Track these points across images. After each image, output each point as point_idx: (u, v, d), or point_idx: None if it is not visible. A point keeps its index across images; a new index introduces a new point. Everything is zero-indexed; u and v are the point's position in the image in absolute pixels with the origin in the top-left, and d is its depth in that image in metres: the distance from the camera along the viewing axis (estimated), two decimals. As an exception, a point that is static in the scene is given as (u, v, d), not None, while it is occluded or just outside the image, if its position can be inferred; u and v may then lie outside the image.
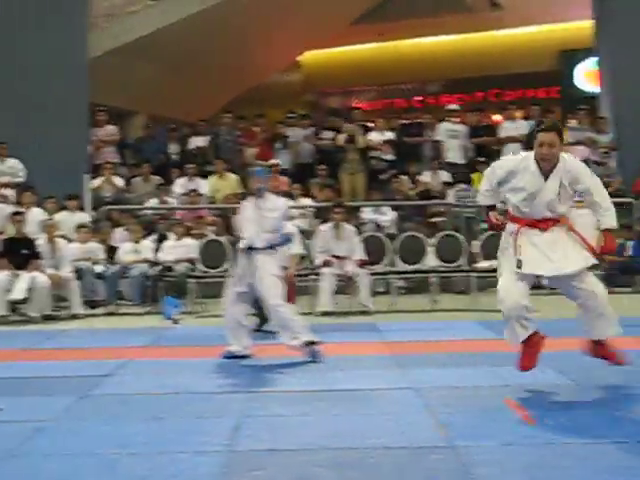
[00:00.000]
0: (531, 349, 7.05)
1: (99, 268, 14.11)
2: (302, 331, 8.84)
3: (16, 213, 13.86)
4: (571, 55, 26.99)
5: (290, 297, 11.19)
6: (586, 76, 26.28)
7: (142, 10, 20.10)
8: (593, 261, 7.06)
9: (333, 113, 21.62)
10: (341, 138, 17.92)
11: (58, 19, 16.98)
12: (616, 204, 15.14)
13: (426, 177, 17.80)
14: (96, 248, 14.39)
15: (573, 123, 18.54)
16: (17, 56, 16.86)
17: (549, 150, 6.95)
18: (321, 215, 15.96)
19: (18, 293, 12.79)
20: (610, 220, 7.10)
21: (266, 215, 9.07)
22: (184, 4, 19.87)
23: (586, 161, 17.85)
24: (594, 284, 7.07)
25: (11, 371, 8.73)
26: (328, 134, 18.56)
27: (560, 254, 7.02)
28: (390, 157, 18.23)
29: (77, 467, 5.33)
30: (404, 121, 19.55)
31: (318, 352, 8.79)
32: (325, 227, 13.36)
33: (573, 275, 7.01)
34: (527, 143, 18.17)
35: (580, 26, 23.13)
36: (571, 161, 7.17)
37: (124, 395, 7.42)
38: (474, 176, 17.36)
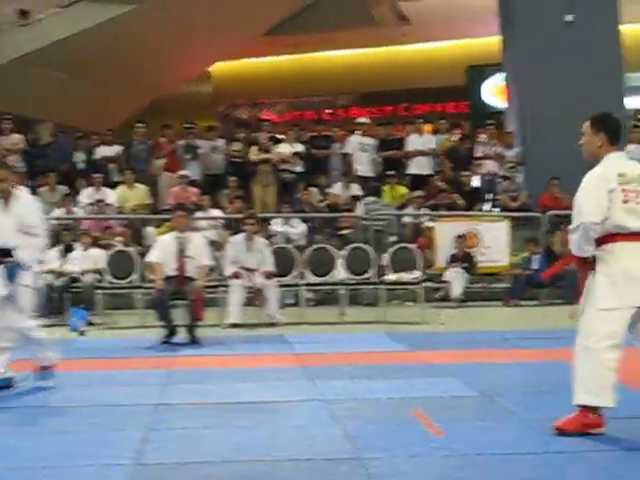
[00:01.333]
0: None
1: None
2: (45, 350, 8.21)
3: None
4: (479, 70, 27.32)
5: (197, 309, 11.19)
6: (494, 91, 26.64)
7: (49, 17, 19.84)
8: None
9: (243, 125, 21.58)
10: (254, 151, 17.91)
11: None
12: (523, 218, 15.50)
13: (336, 190, 17.89)
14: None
15: (482, 138, 18.80)
16: None
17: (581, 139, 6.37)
18: (231, 226, 15.95)
19: None
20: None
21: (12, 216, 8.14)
22: (92, 12, 19.66)
23: (494, 175, 18.25)
24: None
25: None
26: (238, 146, 18.57)
27: None
28: (299, 169, 18.28)
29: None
30: (313, 134, 19.58)
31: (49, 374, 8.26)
32: (236, 238, 13.33)
33: None
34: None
35: (488, 42, 23.47)
36: None
37: (28, 408, 7.31)
38: (384, 188, 17.55)
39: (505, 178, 17.89)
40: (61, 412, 6.94)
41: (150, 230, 16.13)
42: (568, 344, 9.71)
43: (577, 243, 6.21)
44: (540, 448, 5.78)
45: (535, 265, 15.33)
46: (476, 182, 18.26)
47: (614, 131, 6.33)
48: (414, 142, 18.74)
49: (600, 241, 6.15)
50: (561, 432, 6.12)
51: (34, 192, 16.95)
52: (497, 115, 21.97)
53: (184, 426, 6.49)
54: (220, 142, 18.80)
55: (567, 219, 16.14)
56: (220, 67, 28.70)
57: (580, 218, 6.11)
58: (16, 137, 17.77)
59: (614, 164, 6.22)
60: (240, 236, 13.26)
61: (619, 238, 6.13)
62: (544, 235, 16.23)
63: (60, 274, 13.55)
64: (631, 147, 17.73)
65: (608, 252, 6.15)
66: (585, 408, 6.11)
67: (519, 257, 15.70)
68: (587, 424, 6.10)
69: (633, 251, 6.14)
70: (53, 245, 14.48)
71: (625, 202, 6.08)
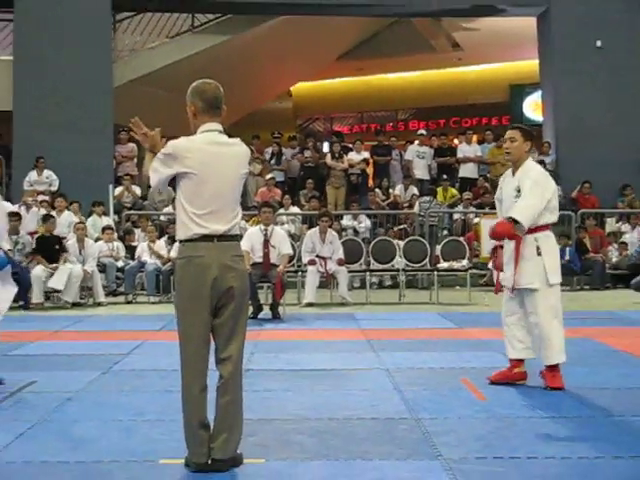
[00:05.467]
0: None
1: (120, 264, 14.13)
2: None
3: (48, 216, 13.85)
4: (520, 89, 27.04)
5: (279, 291, 11.25)
6: (533, 107, 26.34)
7: (159, 46, 20.03)
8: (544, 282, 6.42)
9: (313, 135, 21.66)
10: (329, 157, 18.01)
11: (88, 53, 17.05)
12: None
13: (398, 191, 17.89)
14: (118, 246, 14.41)
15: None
16: (55, 85, 16.93)
17: (510, 144, 6.56)
18: (307, 221, 16.01)
19: (59, 283, 12.74)
20: (511, 212, 6.39)
21: None
22: (195, 42, 19.83)
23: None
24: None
25: (45, 349, 8.74)
26: (308, 153, 18.64)
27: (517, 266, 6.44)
28: (366, 173, 18.39)
29: (101, 431, 5.35)
30: (375, 143, 19.64)
31: None
32: (312, 231, 13.36)
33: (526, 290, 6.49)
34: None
35: (528, 64, 23.21)
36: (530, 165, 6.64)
37: (140, 371, 7.43)
38: (438, 190, 17.48)
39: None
40: (166, 375, 6.99)
41: (243, 223, 16.22)
42: (595, 324, 9.65)
43: (529, 218, 6.34)
44: (572, 412, 5.75)
45: (567, 256, 15.17)
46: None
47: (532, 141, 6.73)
48: (464, 150, 18.69)
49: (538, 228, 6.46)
50: (558, 389, 6.40)
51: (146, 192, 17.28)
52: (535, 127, 21.74)
53: (268, 388, 6.56)
54: (297, 150, 18.95)
55: (595, 216, 15.78)
56: (299, 87, 28.77)
57: (540, 204, 6.36)
58: (131, 146, 17.99)
59: (541, 168, 6.83)
60: (315, 229, 13.29)
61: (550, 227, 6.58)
62: (575, 230, 16.05)
63: (167, 260, 13.69)
64: None
65: (549, 238, 6.54)
66: (556, 366, 6.48)
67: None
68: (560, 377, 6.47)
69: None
70: (161, 236, 14.69)
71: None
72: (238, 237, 4.66)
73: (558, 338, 6.42)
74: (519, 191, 6.45)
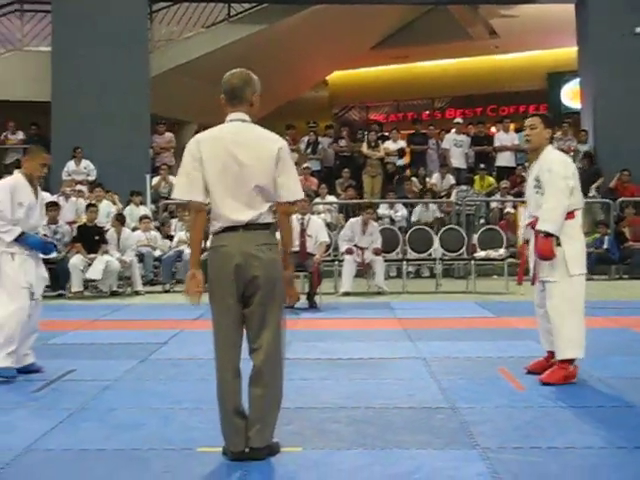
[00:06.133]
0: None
1: (157, 253, 14.21)
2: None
3: (90, 205, 13.97)
4: (558, 77, 26.80)
5: (315, 280, 11.24)
6: (570, 95, 26.10)
7: (195, 36, 20.09)
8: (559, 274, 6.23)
9: (348, 124, 21.59)
10: (365, 146, 17.96)
11: (125, 43, 17.16)
12: (596, 203, 14.94)
13: (435, 179, 17.80)
14: (155, 236, 14.49)
15: (558, 134, 18.48)
16: (92, 76, 17.05)
17: (530, 132, 6.44)
18: (344, 211, 15.98)
19: (96, 274, 12.84)
20: (541, 224, 6.24)
21: None
22: (230, 31, 19.85)
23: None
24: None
25: (83, 338, 8.80)
26: (343, 142, 18.59)
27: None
28: (402, 162, 18.29)
29: (139, 419, 5.39)
30: (411, 132, 19.57)
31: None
32: (354, 220, 13.31)
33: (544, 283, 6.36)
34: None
35: (566, 52, 23.00)
36: (548, 153, 6.44)
37: (177, 360, 7.47)
38: (475, 178, 17.40)
39: (579, 169, 17.47)
40: (203, 363, 6.97)
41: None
42: (633, 314, 9.54)
43: (559, 222, 6.18)
44: (609, 402, 5.71)
45: (606, 245, 15.04)
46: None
47: (553, 129, 6.69)
48: (501, 139, 18.56)
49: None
50: (546, 384, 6.19)
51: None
52: (573, 115, 21.53)
53: (305, 377, 6.57)
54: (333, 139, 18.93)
55: (634, 205, 15.55)
56: (335, 75, 28.73)
57: (564, 200, 6.15)
58: (168, 136, 18.09)
59: (561, 153, 6.64)
60: (358, 219, 13.24)
61: (575, 214, 6.31)
62: (615, 219, 15.91)
63: (204, 249, 13.71)
64: None
65: (571, 227, 6.28)
66: (565, 361, 6.23)
67: (591, 238, 15.38)
68: (568, 375, 6.23)
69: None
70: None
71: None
72: (268, 225, 4.60)
73: (572, 332, 6.20)
74: (538, 181, 6.32)
